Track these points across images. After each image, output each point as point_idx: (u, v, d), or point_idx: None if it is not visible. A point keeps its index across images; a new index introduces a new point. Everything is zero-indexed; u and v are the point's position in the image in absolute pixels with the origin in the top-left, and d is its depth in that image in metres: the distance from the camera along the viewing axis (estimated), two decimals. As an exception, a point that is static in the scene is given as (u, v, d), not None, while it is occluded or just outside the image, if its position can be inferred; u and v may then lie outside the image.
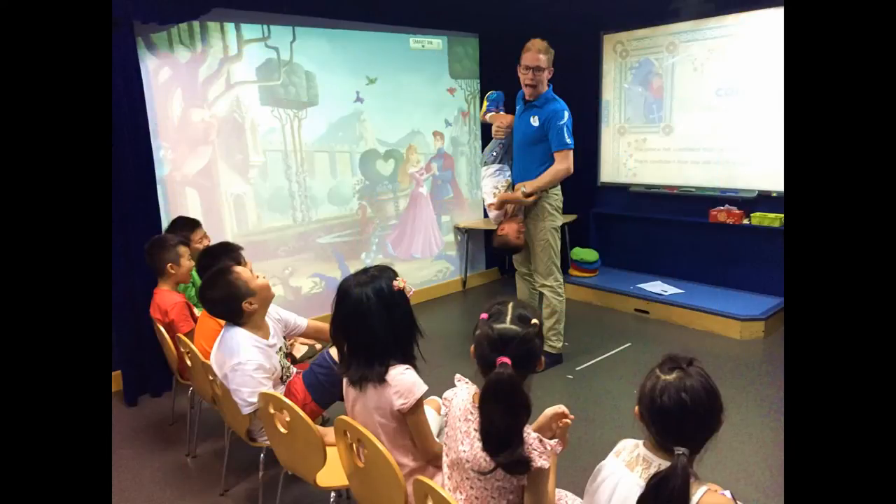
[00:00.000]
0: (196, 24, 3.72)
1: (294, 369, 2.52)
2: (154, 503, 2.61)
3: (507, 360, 1.41)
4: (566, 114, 3.43)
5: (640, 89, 5.06)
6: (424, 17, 4.85)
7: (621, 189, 5.34)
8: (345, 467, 1.87)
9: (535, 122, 3.49)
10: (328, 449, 1.92)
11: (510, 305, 1.53)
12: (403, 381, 1.75)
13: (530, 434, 1.42)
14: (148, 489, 2.70)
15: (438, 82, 5.18)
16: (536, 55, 3.38)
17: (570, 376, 3.64)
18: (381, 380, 1.75)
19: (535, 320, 1.51)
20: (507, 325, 1.48)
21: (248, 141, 4.07)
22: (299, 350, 2.84)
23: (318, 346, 2.85)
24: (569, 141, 3.43)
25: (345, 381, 1.88)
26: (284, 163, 4.27)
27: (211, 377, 2.35)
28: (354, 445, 1.75)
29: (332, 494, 2.00)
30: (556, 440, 1.51)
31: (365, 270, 1.88)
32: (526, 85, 3.47)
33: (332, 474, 1.96)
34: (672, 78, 4.83)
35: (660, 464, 1.31)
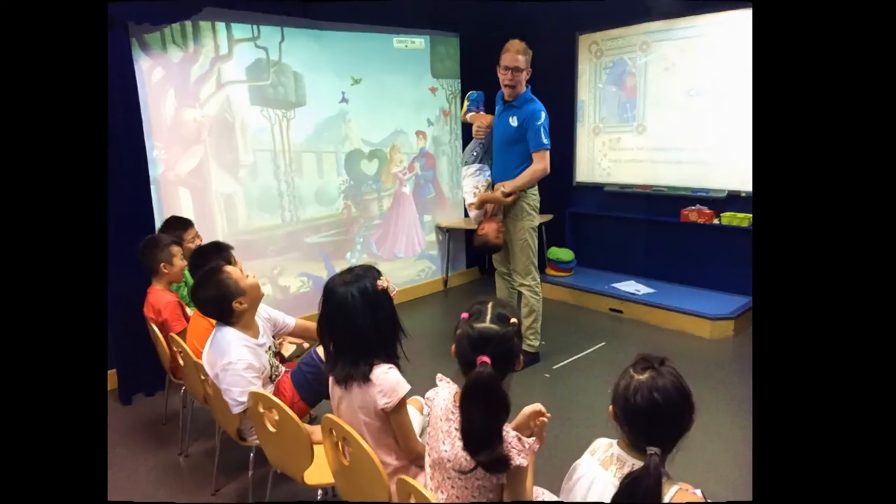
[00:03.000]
0: (188, 23, 3.72)
1: (283, 368, 2.54)
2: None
3: (487, 359, 1.42)
4: (543, 114, 3.46)
5: (614, 89, 5.08)
6: (407, 17, 4.86)
7: (596, 189, 5.35)
8: (331, 465, 1.89)
9: (513, 122, 3.52)
10: (315, 447, 1.94)
11: (490, 305, 1.55)
12: (387, 379, 1.78)
13: (509, 432, 1.45)
14: (142, 488, 2.72)
15: (421, 81, 5.21)
16: (515, 56, 3.40)
17: (547, 375, 3.68)
18: (365, 378, 1.77)
19: (513, 319, 1.53)
20: (488, 324, 1.50)
21: (238, 141, 4.09)
22: (287, 349, 2.86)
23: (306, 344, 2.86)
24: (545, 141, 3.46)
25: (331, 379, 1.90)
26: (273, 163, 4.30)
27: (203, 377, 2.36)
28: (340, 444, 1.77)
29: (319, 492, 2.04)
30: (534, 438, 1.52)
31: (350, 270, 1.91)
32: (505, 85, 3.50)
33: (319, 472, 1.98)
34: (645, 77, 4.85)
35: (633, 464, 1.33)
